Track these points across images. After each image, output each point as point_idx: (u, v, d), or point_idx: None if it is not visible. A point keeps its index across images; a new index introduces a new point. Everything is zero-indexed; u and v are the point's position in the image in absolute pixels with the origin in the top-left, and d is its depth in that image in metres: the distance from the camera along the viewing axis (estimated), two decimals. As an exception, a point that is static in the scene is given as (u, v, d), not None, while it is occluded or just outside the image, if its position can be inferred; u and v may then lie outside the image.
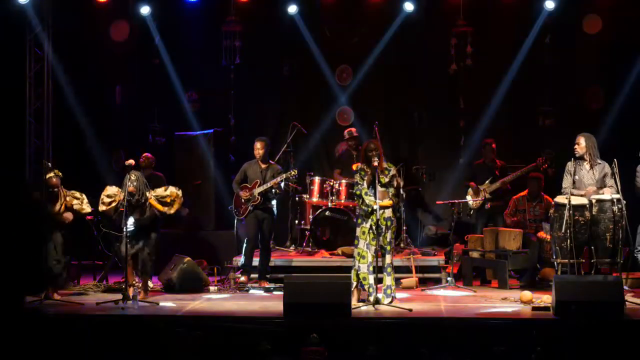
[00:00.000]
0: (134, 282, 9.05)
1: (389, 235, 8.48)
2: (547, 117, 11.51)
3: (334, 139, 12.10)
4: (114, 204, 9.01)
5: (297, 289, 7.86)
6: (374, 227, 8.35)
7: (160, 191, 9.18)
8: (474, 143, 11.37)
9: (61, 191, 9.10)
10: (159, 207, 9.05)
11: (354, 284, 8.43)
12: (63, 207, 9.13)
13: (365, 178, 8.48)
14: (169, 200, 9.13)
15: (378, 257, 8.42)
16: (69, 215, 9.08)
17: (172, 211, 9.13)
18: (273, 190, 9.79)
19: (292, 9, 11.55)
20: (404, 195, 10.29)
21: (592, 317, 7.52)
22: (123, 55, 11.80)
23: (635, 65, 11.15)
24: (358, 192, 8.51)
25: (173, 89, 12.07)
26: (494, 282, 9.95)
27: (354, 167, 10.62)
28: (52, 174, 9.07)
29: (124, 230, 8.77)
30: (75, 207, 9.10)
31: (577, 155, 8.87)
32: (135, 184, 8.86)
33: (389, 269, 8.50)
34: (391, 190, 8.50)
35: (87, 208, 9.20)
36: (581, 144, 8.87)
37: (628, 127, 11.01)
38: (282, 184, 9.91)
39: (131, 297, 8.45)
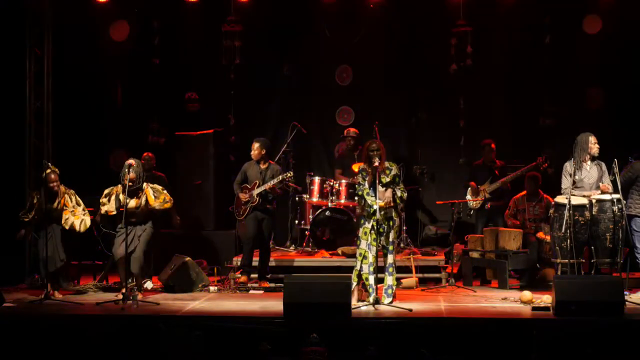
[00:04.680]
0: (128, 283, 9.03)
1: (391, 235, 8.48)
2: (547, 117, 11.51)
3: (334, 139, 12.10)
4: (112, 196, 9.08)
5: (297, 289, 7.85)
6: (375, 227, 8.34)
7: (157, 186, 9.30)
8: (474, 143, 11.37)
9: (59, 188, 9.19)
10: (150, 198, 9.10)
11: (354, 284, 8.42)
12: (61, 204, 9.17)
13: (367, 178, 8.48)
14: (161, 198, 9.18)
15: (379, 257, 8.42)
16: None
17: (155, 204, 9.14)
18: (271, 193, 9.79)
19: (292, 8, 11.55)
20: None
21: (592, 317, 7.52)
22: (123, 55, 11.81)
23: (635, 65, 11.14)
24: (360, 193, 8.50)
25: (173, 89, 12.08)
26: (494, 282, 9.95)
27: (354, 167, 10.65)
28: (49, 170, 9.17)
29: (122, 224, 8.85)
30: (74, 223, 9.17)
31: (596, 155, 8.86)
32: (136, 169, 9.01)
33: (390, 269, 8.49)
34: (398, 192, 8.48)
35: (83, 226, 9.26)
36: (597, 143, 8.86)
37: (628, 127, 11.01)
38: (278, 186, 9.89)
39: (131, 297, 8.45)
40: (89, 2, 11.38)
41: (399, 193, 8.49)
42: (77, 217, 9.22)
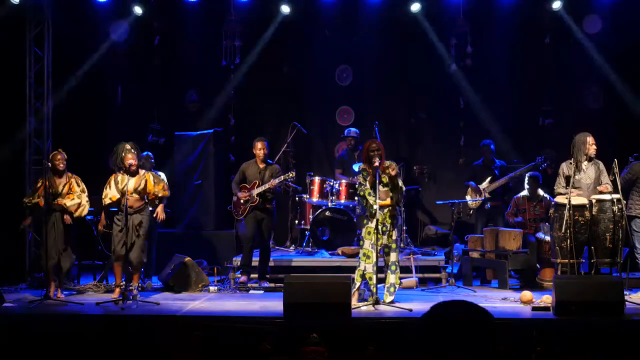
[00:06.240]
0: (123, 283, 8.99)
1: (394, 234, 8.49)
2: (547, 117, 11.51)
3: (334, 139, 12.10)
4: (112, 182, 9.06)
5: (297, 289, 7.85)
6: (379, 227, 8.34)
7: (157, 174, 9.35)
8: (474, 143, 11.37)
9: (66, 171, 9.22)
10: (150, 183, 9.10)
11: (357, 284, 8.42)
12: (67, 188, 9.15)
13: (368, 178, 8.48)
14: (160, 185, 9.18)
15: (379, 257, 8.41)
16: (67, 218, 9.16)
17: (155, 189, 9.12)
18: (270, 192, 9.79)
19: (292, 8, 11.55)
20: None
21: (592, 317, 7.52)
22: (123, 55, 11.81)
23: (635, 65, 11.14)
24: (362, 193, 8.49)
25: (173, 89, 12.07)
26: (494, 282, 9.96)
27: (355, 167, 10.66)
28: (56, 151, 9.20)
29: (121, 215, 8.85)
30: (71, 207, 9.17)
31: (592, 155, 8.85)
32: (133, 151, 9.01)
33: (393, 267, 8.49)
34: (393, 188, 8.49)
35: (84, 211, 9.26)
36: (594, 144, 8.86)
37: (628, 127, 11.01)
38: (279, 186, 9.90)
39: (131, 297, 8.45)
40: (89, 2, 11.38)
41: (399, 185, 8.48)
42: (78, 201, 9.22)
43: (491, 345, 3.14)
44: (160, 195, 9.19)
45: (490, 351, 3.14)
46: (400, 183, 8.49)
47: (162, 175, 10.53)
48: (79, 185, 9.26)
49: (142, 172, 9.18)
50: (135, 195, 9.00)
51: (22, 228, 9.44)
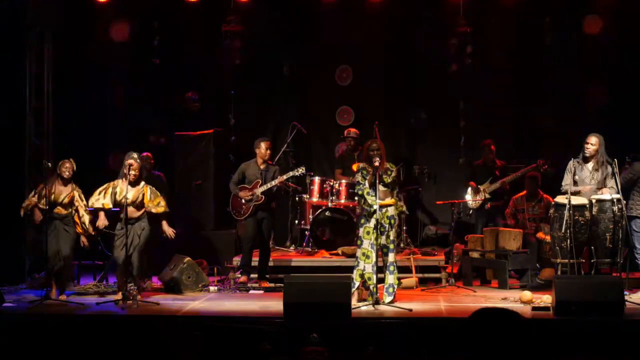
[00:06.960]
0: (127, 284, 9.00)
1: (392, 234, 8.49)
2: (547, 117, 11.50)
3: (334, 139, 12.10)
4: (109, 189, 9.05)
5: (297, 289, 7.85)
6: (378, 227, 8.34)
7: (156, 190, 9.27)
8: (474, 143, 11.36)
9: (71, 183, 9.19)
10: (146, 198, 9.08)
11: (357, 284, 8.42)
12: (68, 198, 9.13)
13: (367, 178, 8.48)
14: (156, 201, 9.15)
15: (379, 257, 8.41)
16: (84, 240, 9.23)
17: (149, 204, 9.10)
18: (284, 188, 9.80)
19: (292, 8, 11.55)
20: (402, 196, 10.34)
21: (592, 317, 7.52)
22: (123, 55, 11.80)
23: (635, 65, 11.14)
24: (360, 192, 8.49)
25: (173, 89, 12.07)
26: (494, 282, 9.95)
27: (355, 167, 10.65)
28: (66, 160, 9.17)
29: (122, 225, 8.85)
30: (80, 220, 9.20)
31: (586, 155, 8.84)
32: (139, 163, 9.04)
33: (391, 267, 8.49)
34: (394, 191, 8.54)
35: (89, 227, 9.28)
36: (594, 144, 8.84)
37: (628, 127, 11.00)
38: (291, 181, 9.91)
39: (131, 297, 8.45)
40: (89, 2, 11.37)
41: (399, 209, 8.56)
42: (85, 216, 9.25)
43: (529, 354, 3.14)
44: (154, 212, 9.16)
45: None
46: (401, 205, 8.55)
47: (161, 175, 10.56)
48: (82, 200, 9.22)
49: (142, 184, 9.15)
50: (133, 208, 9.00)
51: (38, 224, 9.37)
